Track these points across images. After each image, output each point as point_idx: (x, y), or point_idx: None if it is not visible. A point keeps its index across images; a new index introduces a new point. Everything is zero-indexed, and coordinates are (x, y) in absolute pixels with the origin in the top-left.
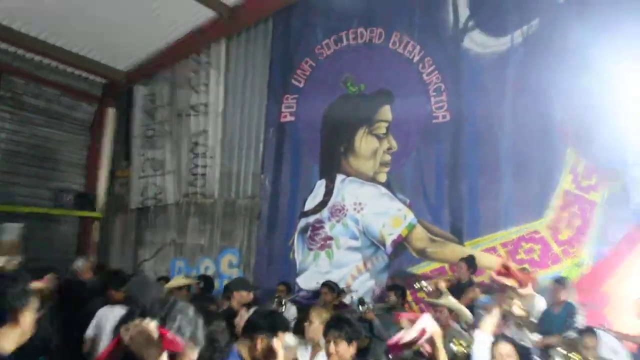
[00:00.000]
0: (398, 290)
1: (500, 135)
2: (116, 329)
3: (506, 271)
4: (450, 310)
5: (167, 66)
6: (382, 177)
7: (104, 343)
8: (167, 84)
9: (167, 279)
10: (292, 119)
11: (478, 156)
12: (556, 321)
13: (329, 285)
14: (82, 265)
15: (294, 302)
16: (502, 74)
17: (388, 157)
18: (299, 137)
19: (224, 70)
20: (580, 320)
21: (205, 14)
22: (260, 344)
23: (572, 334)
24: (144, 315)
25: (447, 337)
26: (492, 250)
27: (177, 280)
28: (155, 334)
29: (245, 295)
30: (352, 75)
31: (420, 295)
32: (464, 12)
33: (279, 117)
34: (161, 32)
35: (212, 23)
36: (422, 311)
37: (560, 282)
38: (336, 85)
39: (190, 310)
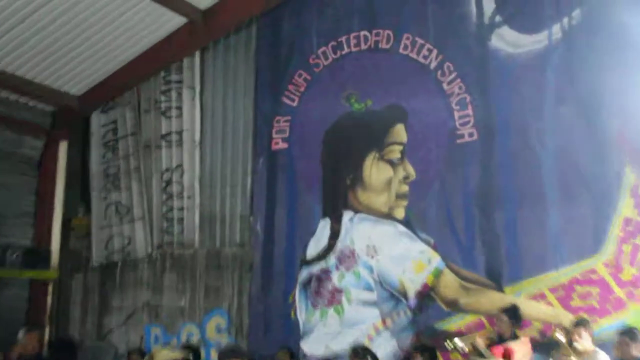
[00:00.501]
0: (426, 352)
1: (541, 153)
2: None
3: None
4: None
5: (130, 88)
6: (400, 213)
7: None
8: (130, 109)
9: (141, 353)
10: (286, 145)
11: (515, 181)
12: None
13: (356, 351)
14: (23, 338)
15: None
16: (541, 78)
17: (405, 188)
18: (295, 167)
19: (199, 90)
20: None
21: (173, 21)
22: None
23: None
24: None
25: None
26: (540, 297)
27: (162, 356)
28: None
29: None
30: (356, 89)
31: (455, 356)
32: (488, 5)
33: (270, 145)
34: (120, 46)
35: (182, 32)
36: None
37: (627, 334)
38: (337, 103)
39: None
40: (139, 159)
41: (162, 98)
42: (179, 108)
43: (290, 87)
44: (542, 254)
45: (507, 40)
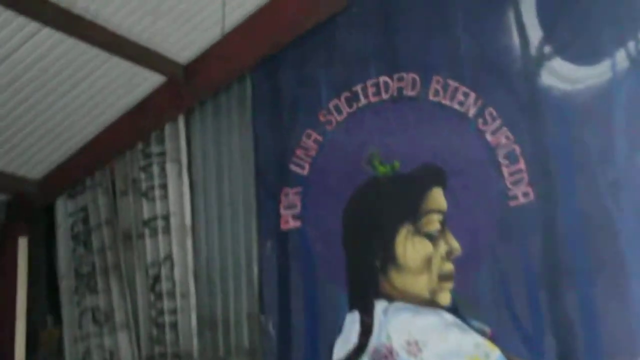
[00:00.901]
0: None
1: (616, 213)
2: None
3: None
4: None
5: (101, 166)
6: (445, 298)
7: None
8: (103, 192)
9: None
10: (298, 224)
11: (587, 249)
12: None
13: None
14: None
15: None
16: (608, 120)
17: (450, 267)
18: (312, 250)
19: (186, 163)
20: None
21: (149, 81)
22: None
23: None
24: None
25: None
26: None
27: None
28: None
29: None
30: (379, 148)
31: None
32: (534, 33)
33: (279, 224)
34: (85, 116)
35: (161, 93)
36: None
37: None
38: (357, 167)
39: None
40: (118, 253)
41: (142, 176)
42: (164, 187)
43: (299, 151)
44: (627, 338)
45: (560, 75)
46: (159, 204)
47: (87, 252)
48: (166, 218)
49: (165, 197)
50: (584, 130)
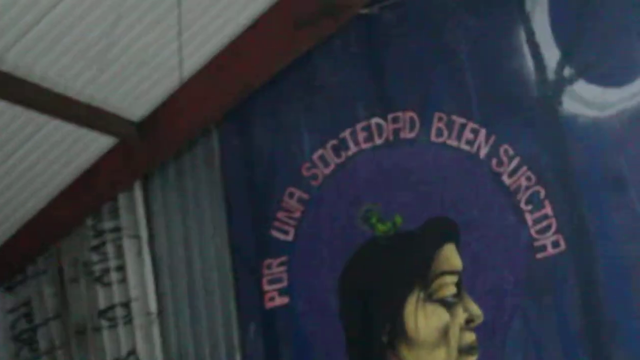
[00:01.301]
0: None
1: None
2: None
3: None
4: None
5: (44, 250)
6: None
7: None
8: (49, 281)
9: None
10: (286, 300)
11: (634, 300)
12: None
13: None
14: None
15: None
16: None
17: (471, 337)
18: (304, 330)
19: (146, 237)
20: None
21: (96, 145)
22: None
23: None
24: None
25: None
26: None
27: None
28: None
29: None
30: (376, 203)
31: None
32: (551, 54)
33: (262, 302)
34: (25, 189)
35: (111, 157)
36: None
37: None
38: (353, 227)
39: None
40: (70, 352)
41: (94, 257)
42: (121, 268)
43: (280, 214)
44: None
45: (586, 101)
46: (116, 290)
47: (33, 353)
48: (126, 306)
49: (123, 280)
50: (619, 163)
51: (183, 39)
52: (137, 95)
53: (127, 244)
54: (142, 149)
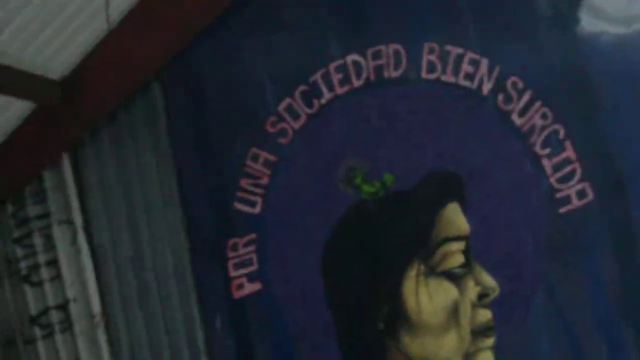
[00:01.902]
0: None
1: None
2: None
3: None
4: None
5: None
6: None
7: None
8: None
9: None
10: (258, 286)
11: None
12: None
13: None
14: None
15: None
16: None
17: (487, 315)
18: (283, 320)
19: (81, 221)
20: None
21: (12, 112)
22: None
23: None
24: None
25: None
26: None
27: None
28: None
29: None
30: (360, 160)
31: None
32: None
33: (229, 291)
34: None
35: (32, 126)
36: None
37: None
38: (333, 191)
39: None
40: None
41: (19, 252)
42: (53, 263)
43: (244, 182)
44: None
45: (608, 15)
46: (49, 290)
47: None
48: (63, 308)
49: (57, 278)
50: None
51: None
52: (56, 48)
53: (58, 233)
54: (68, 114)
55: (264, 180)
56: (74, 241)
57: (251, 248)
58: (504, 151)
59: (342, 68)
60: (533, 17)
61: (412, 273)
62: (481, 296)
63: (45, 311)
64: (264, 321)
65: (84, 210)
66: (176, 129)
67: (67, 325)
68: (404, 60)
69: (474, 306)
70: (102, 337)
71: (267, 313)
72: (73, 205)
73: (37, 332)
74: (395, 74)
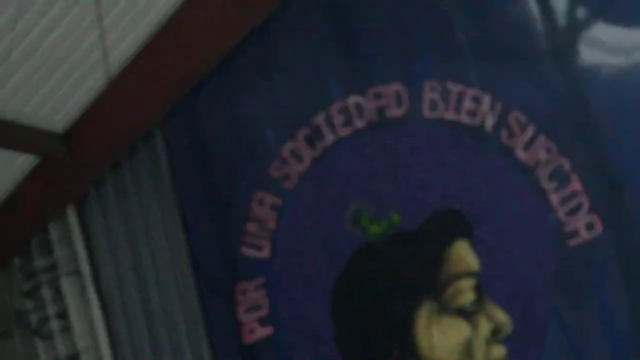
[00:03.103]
0: None
1: None
2: None
3: None
4: None
5: None
6: None
7: None
8: None
9: None
10: (269, 331)
11: None
12: None
13: None
14: None
15: None
16: None
17: (501, 351)
18: None
19: (90, 272)
20: None
21: (16, 167)
22: None
23: None
24: None
25: None
26: None
27: None
28: None
29: None
30: (365, 200)
31: None
32: None
33: (240, 336)
34: None
35: (36, 179)
36: None
37: None
38: (340, 233)
39: None
40: None
41: (28, 305)
42: (63, 315)
43: (250, 227)
44: None
45: (608, 46)
46: (60, 342)
47: None
48: (75, 359)
49: (67, 329)
50: None
51: (105, 25)
52: (57, 101)
53: (67, 284)
54: (71, 165)
55: (271, 224)
56: (82, 292)
57: (261, 292)
58: (510, 187)
59: (344, 110)
60: (533, 51)
61: (423, 312)
62: (495, 332)
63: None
64: None
65: (91, 261)
66: (180, 176)
67: None
68: (405, 100)
69: (488, 342)
70: None
71: (279, 358)
72: (80, 256)
73: None
74: (397, 113)
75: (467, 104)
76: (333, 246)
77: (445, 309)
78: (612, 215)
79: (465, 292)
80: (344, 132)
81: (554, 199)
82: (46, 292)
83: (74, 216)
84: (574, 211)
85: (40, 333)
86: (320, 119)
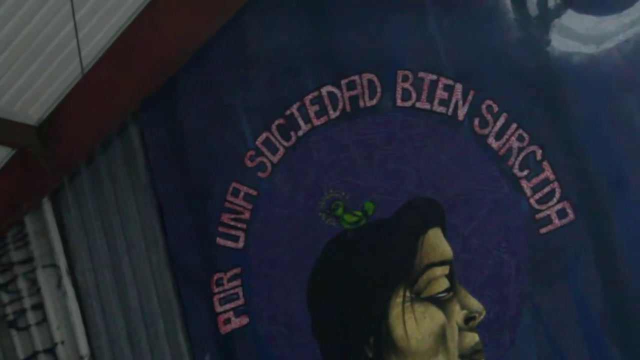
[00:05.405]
0: None
1: None
2: None
3: None
4: None
5: None
6: None
7: None
8: None
9: None
10: (245, 320)
11: None
12: None
13: None
14: None
15: None
16: None
17: (474, 338)
18: (271, 353)
19: (66, 264)
20: None
21: None
22: None
23: None
24: None
25: None
26: None
27: None
28: None
29: None
30: (340, 191)
31: None
32: None
33: (216, 327)
34: None
35: (11, 172)
36: None
37: None
38: (315, 223)
39: None
40: None
41: (4, 297)
42: (39, 307)
43: (225, 217)
44: None
45: (579, 34)
46: (37, 334)
47: None
48: (51, 352)
49: (44, 321)
50: (626, 103)
51: (79, 17)
52: (31, 94)
53: (43, 277)
54: (46, 158)
55: (245, 215)
56: (59, 284)
57: (236, 282)
58: (482, 175)
59: (318, 100)
60: (505, 40)
61: (397, 300)
62: (468, 319)
63: (33, 355)
64: (252, 356)
65: (67, 253)
66: (155, 168)
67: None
68: (378, 89)
69: (461, 330)
70: None
71: (255, 347)
72: (56, 248)
73: None
74: (370, 103)
75: (440, 92)
76: (308, 236)
77: (419, 296)
78: (583, 202)
79: (438, 280)
80: (318, 122)
81: (526, 186)
82: (22, 285)
83: (49, 209)
84: (546, 198)
85: (17, 325)
86: (294, 109)
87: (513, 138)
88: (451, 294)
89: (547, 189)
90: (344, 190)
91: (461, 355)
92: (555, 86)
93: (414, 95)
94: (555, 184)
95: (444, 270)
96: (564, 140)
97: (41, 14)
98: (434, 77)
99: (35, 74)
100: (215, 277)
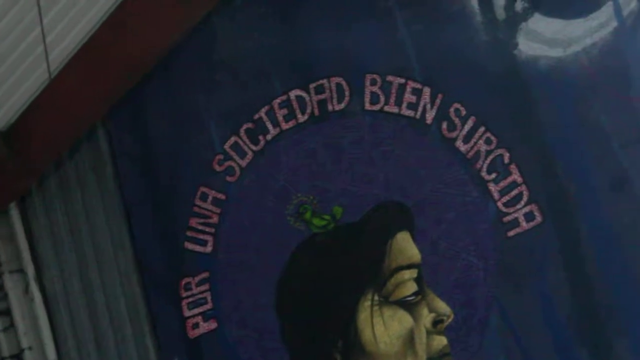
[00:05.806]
0: None
1: None
2: None
3: None
4: None
5: None
6: None
7: None
8: None
9: None
10: (213, 325)
11: (634, 274)
12: None
13: None
14: None
15: None
16: (625, 85)
17: (442, 341)
18: (239, 357)
19: (33, 270)
20: None
21: None
22: None
23: None
24: None
25: None
26: None
27: None
28: None
29: None
30: (308, 194)
31: None
32: None
33: (185, 331)
34: None
35: None
36: None
37: None
38: (283, 227)
39: None
40: None
41: None
42: (6, 313)
43: (194, 221)
44: None
45: (546, 38)
46: (3, 340)
47: None
48: (19, 358)
49: (11, 327)
50: (594, 108)
51: (46, 22)
52: None
53: (10, 282)
54: (13, 163)
55: (214, 219)
56: (26, 290)
57: (205, 287)
58: (450, 178)
59: (286, 104)
60: (472, 43)
61: (366, 304)
62: (436, 323)
63: None
64: (218, 357)
65: (34, 258)
66: (123, 172)
67: None
68: (346, 93)
69: (430, 333)
70: None
71: (224, 352)
72: (23, 254)
73: None
74: (339, 107)
75: (408, 96)
76: (276, 240)
77: (388, 300)
78: (551, 206)
79: (407, 284)
80: (286, 125)
81: (494, 189)
82: None
83: (16, 214)
84: (513, 201)
85: None
86: (262, 113)
87: (481, 141)
88: (419, 297)
89: (514, 192)
90: (313, 194)
91: (429, 359)
92: (522, 89)
93: (382, 98)
94: (523, 187)
95: (412, 273)
96: (531, 143)
97: (8, 18)
98: (402, 80)
99: (2, 79)
100: (184, 281)
